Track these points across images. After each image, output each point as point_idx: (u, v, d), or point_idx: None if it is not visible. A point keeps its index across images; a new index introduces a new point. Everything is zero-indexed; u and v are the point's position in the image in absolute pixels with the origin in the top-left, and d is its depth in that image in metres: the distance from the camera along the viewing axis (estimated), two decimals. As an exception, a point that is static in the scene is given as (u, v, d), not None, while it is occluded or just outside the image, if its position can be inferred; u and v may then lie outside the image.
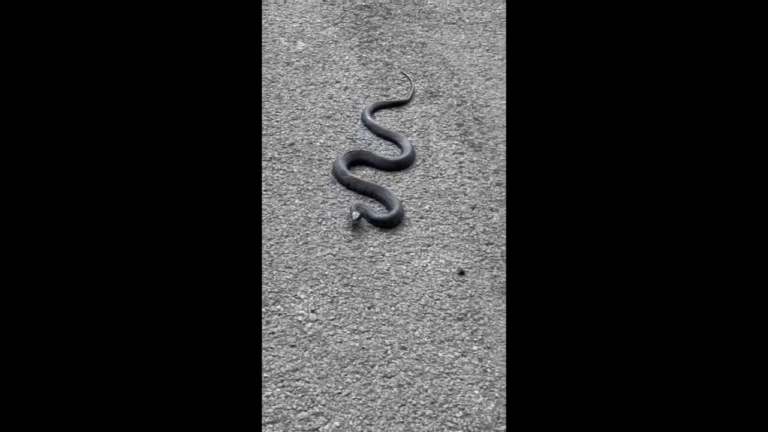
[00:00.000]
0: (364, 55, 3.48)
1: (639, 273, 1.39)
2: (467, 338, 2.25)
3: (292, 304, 2.31)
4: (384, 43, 3.58)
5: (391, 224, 2.60)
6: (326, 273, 2.42)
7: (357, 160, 2.85)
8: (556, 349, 1.39)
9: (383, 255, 2.51)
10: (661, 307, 1.38)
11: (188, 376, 1.36)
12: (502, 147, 3.02)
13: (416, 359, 2.18)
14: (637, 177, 1.40)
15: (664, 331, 1.37)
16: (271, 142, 2.95)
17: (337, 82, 3.30)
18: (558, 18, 1.43)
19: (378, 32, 3.65)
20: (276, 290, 2.34)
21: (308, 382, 2.09)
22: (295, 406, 2.03)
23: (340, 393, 2.08)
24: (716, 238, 1.38)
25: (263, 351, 2.15)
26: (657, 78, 1.42)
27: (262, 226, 2.56)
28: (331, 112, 3.13)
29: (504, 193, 2.78)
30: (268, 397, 2.04)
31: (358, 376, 2.12)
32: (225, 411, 1.36)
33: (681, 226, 1.39)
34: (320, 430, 1.99)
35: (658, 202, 1.39)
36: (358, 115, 3.11)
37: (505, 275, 2.45)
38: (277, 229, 2.56)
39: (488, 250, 2.56)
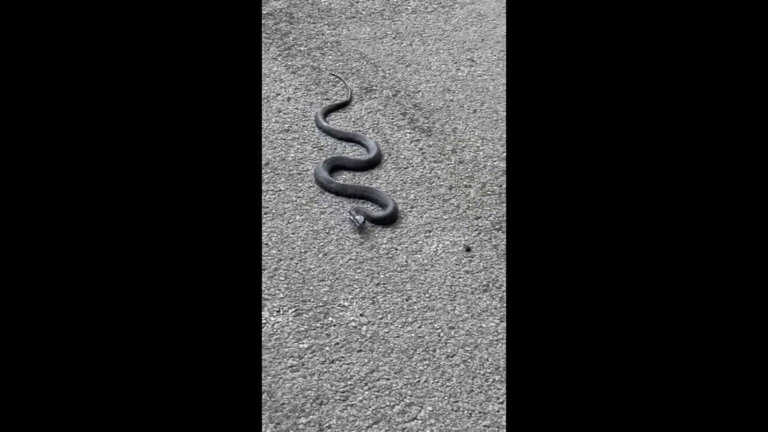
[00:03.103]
0: (290, 63, 3.61)
1: (634, 258, 1.42)
2: (498, 305, 2.53)
3: (341, 313, 2.49)
4: (302, 48, 3.71)
5: (391, 220, 2.81)
6: (356, 278, 2.61)
7: (334, 166, 3.02)
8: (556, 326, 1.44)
9: (396, 249, 2.73)
10: (652, 283, 1.41)
11: (187, 377, 1.42)
12: (449, 127, 3.28)
13: (467, 334, 2.43)
14: (637, 174, 1.44)
15: (655, 306, 1.41)
16: (243, 166, 3.05)
17: (278, 94, 3.43)
18: (557, 14, 1.47)
19: (291, 38, 3.78)
20: (321, 304, 2.51)
21: (389, 379, 2.30)
22: (389, 403, 2.23)
23: (419, 381, 2.30)
24: (715, 237, 1.41)
25: (336, 362, 2.32)
26: (655, 77, 1.44)
27: (278, 250, 2.69)
28: (286, 125, 3.26)
29: (469, 169, 3.06)
30: (361, 401, 2.22)
31: (426, 362, 2.35)
32: (226, 408, 1.43)
33: (680, 227, 1.42)
34: (418, 417, 2.21)
35: (657, 200, 1.42)
36: (312, 123, 3.26)
37: (504, 243, 2.74)
38: (294, 248, 2.71)
39: (479, 224, 2.83)
